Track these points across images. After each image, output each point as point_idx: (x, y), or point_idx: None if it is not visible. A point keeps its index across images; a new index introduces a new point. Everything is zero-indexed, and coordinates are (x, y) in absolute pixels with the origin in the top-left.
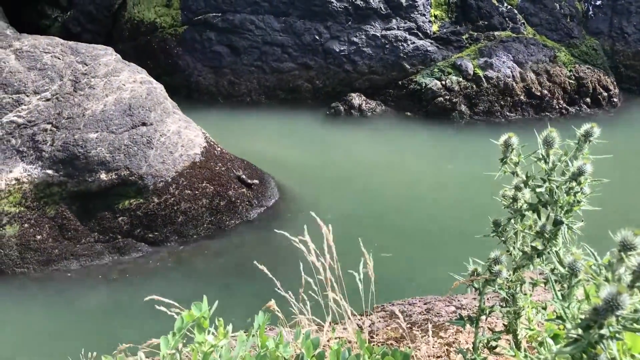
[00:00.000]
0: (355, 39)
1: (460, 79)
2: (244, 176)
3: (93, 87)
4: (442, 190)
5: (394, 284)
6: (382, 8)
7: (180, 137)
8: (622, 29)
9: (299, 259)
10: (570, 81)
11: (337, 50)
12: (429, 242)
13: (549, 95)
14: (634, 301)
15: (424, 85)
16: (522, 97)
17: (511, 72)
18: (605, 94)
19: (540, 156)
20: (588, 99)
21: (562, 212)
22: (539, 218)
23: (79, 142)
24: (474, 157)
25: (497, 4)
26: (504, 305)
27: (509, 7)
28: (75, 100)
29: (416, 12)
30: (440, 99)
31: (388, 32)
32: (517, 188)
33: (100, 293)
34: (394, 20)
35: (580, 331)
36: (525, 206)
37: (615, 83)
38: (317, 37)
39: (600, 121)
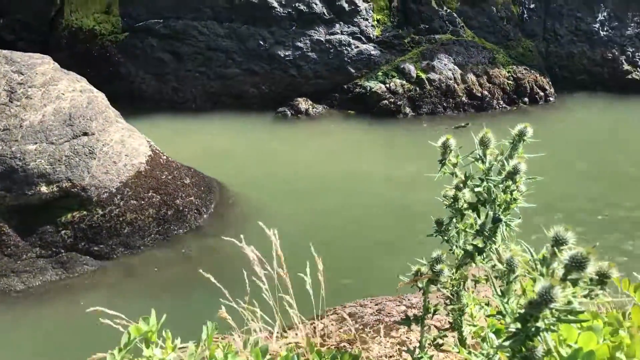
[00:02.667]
0: (299, 44)
1: (404, 82)
2: None
3: (30, 97)
4: (391, 188)
5: (346, 286)
6: (326, 13)
7: (124, 146)
8: (555, 31)
9: (249, 266)
10: (509, 82)
11: (282, 55)
12: (380, 241)
13: (489, 95)
14: (566, 294)
15: (369, 88)
16: (463, 98)
17: (452, 74)
18: (541, 93)
19: (478, 156)
20: (526, 99)
21: (501, 210)
22: (479, 217)
23: (16, 154)
24: (419, 156)
25: (437, 8)
26: (449, 303)
27: (449, 11)
28: (12, 111)
29: (359, 17)
30: (385, 101)
31: (332, 37)
32: (457, 188)
33: (44, 310)
34: (337, 25)
35: (518, 325)
36: (465, 205)
37: (550, 83)
38: (261, 43)
39: (537, 119)
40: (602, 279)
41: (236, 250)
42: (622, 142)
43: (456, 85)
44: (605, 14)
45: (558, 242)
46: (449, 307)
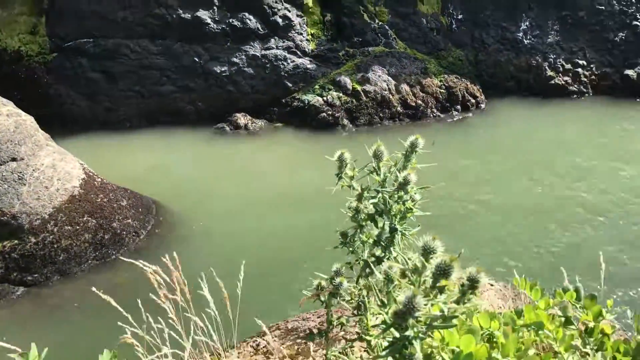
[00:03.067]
0: (235, 60)
1: (341, 95)
2: None
3: None
4: (330, 203)
5: (277, 303)
6: (260, 28)
7: (56, 170)
8: (483, 41)
9: (178, 289)
10: (441, 90)
11: (218, 71)
12: (316, 257)
13: (423, 104)
14: (438, 301)
15: (307, 102)
16: (399, 108)
17: (387, 85)
18: (472, 100)
19: (373, 169)
20: (458, 106)
21: (397, 220)
22: (376, 227)
23: None
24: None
25: (369, 21)
26: (356, 314)
27: (381, 23)
28: None
29: (293, 32)
30: (324, 114)
31: (268, 52)
32: (359, 200)
33: None
34: (272, 40)
35: (396, 334)
36: (363, 217)
37: (480, 90)
38: (196, 59)
39: (469, 125)
40: (472, 284)
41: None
42: (543, 143)
43: (391, 96)
44: (527, 23)
45: (427, 251)
46: (353, 319)
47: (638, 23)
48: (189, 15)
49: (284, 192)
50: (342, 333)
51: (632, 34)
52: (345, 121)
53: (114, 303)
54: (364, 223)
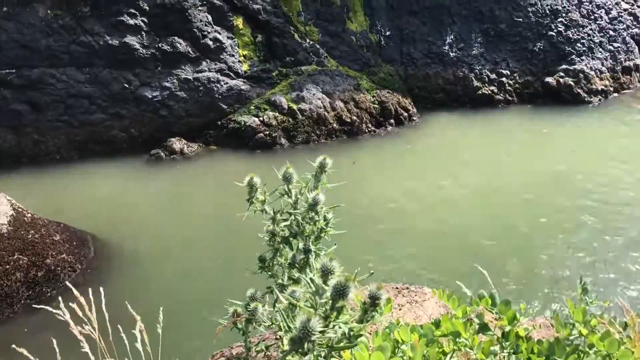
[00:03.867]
0: (167, 84)
1: (277, 114)
2: None
3: None
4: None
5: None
6: (191, 51)
7: None
8: (411, 55)
9: (114, 326)
10: (375, 106)
11: (150, 96)
12: (252, 281)
13: (358, 120)
14: (339, 321)
15: (243, 123)
16: (335, 125)
17: (322, 102)
18: (405, 114)
19: (284, 191)
20: (392, 120)
21: (311, 240)
22: (291, 249)
23: None
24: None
25: (300, 41)
26: (277, 338)
27: (312, 42)
28: None
29: (225, 54)
30: (261, 134)
31: (200, 75)
32: (273, 223)
33: None
34: (204, 63)
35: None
36: (279, 240)
37: (412, 103)
38: (126, 85)
39: (403, 138)
40: (373, 300)
41: (113, 308)
42: (472, 151)
43: (326, 113)
44: (452, 37)
45: (325, 272)
46: (272, 344)
47: (553, 33)
48: (117, 42)
49: (221, 218)
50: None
51: (548, 43)
52: (283, 140)
53: (26, 353)
54: (279, 246)
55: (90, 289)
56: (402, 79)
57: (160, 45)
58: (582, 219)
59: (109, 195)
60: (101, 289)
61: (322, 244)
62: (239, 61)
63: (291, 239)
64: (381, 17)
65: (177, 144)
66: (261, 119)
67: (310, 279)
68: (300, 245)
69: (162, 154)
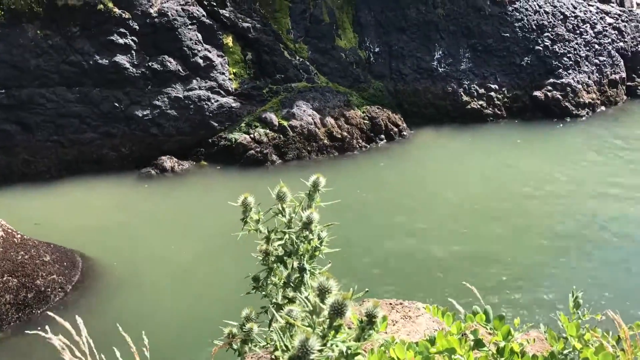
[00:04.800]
0: (157, 103)
1: (268, 131)
2: None
3: None
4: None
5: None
6: (181, 70)
7: None
8: (400, 71)
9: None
10: (365, 121)
11: (140, 115)
12: (248, 301)
13: (349, 136)
14: (336, 340)
15: (234, 140)
16: (325, 141)
17: (312, 119)
18: (395, 129)
19: (278, 210)
20: (382, 135)
21: (305, 259)
22: (286, 268)
23: None
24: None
25: (290, 58)
26: (273, 358)
27: (301, 59)
28: None
29: (215, 72)
30: (252, 151)
31: (190, 93)
32: (267, 242)
33: None
34: (194, 81)
35: None
36: (273, 259)
37: (402, 119)
38: (116, 105)
39: (393, 154)
40: (370, 319)
41: (101, 329)
42: (460, 165)
43: (317, 130)
44: (440, 52)
45: (322, 291)
46: None
47: (540, 48)
48: (107, 61)
49: (213, 237)
50: None
51: (535, 57)
52: (274, 157)
53: None
54: (274, 265)
55: (79, 310)
56: (391, 95)
57: (150, 64)
58: (571, 231)
59: (99, 215)
60: (90, 310)
61: (317, 263)
62: (229, 79)
63: (285, 257)
64: (370, 34)
65: (168, 162)
66: (252, 136)
67: (307, 297)
68: (295, 264)
69: (152, 172)
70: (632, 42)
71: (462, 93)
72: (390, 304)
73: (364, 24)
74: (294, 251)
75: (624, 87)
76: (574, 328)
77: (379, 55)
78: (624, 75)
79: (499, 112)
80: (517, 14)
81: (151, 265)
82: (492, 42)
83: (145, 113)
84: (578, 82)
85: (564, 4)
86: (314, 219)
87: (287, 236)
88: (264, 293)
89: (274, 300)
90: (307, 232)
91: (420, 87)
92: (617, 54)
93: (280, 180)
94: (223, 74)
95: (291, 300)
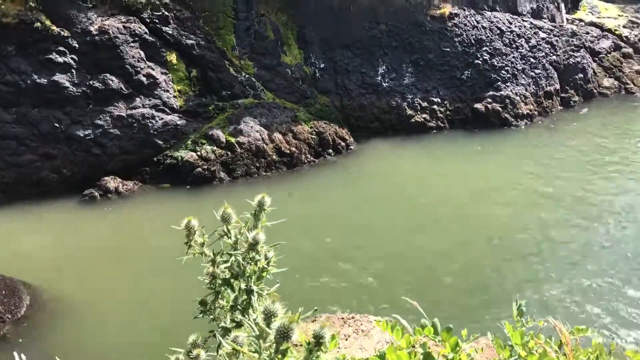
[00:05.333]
0: (100, 122)
1: (215, 148)
2: None
3: None
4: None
5: None
6: (124, 88)
7: None
8: (346, 86)
9: None
10: (313, 136)
11: (82, 135)
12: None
13: (297, 151)
14: None
15: (180, 158)
16: (274, 157)
17: (260, 135)
18: (343, 143)
19: (223, 232)
20: (330, 150)
21: (253, 280)
22: (233, 291)
23: None
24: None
25: (236, 75)
26: None
27: (247, 76)
28: None
29: (159, 89)
30: (199, 169)
31: (134, 111)
32: (213, 265)
33: None
34: (137, 99)
35: None
36: (220, 282)
37: (349, 133)
38: (56, 125)
39: (341, 167)
40: (318, 340)
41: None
42: (403, 176)
43: (265, 145)
44: (384, 67)
45: (268, 315)
46: None
47: (479, 62)
48: (45, 80)
49: (160, 261)
50: None
51: (475, 71)
52: (222, 174)
53: None
54: (221, 289)
55: (19, 342)
56: (338, 110)
57: (91, 82)
58: (511, 234)
59: (41, 240)
60: (32, 341)
61: (265, 283)
62: (174, 96)
63: (232, 280)
64: (315, 50)
65: (112, 182)
66: (199, 153)
67: (254, 321)
68: (242, 286)
69: (96, 193)
70: (564, 56)
71: (406, 107)
72: (343, 318)
73: (309, 40)
74: (240, 273)
75: (558, 98)
76: (519, 336)
77: (325, 71)
78: (557, 87)
79: (441, 125)
80: (457, 29)
81: (96, 293)
82: (434, 57)
83: (86, 133)
84: (516, 94)
85: (500, 20)
86: (260, 240)
87: (232, 258)
88: (211, 317)
89: (221, 324)
90: (254, 253)
91: (365, 102)
92: (550, 67)
93: (225, 200)
94: (167, 91)
95: (239, 324)
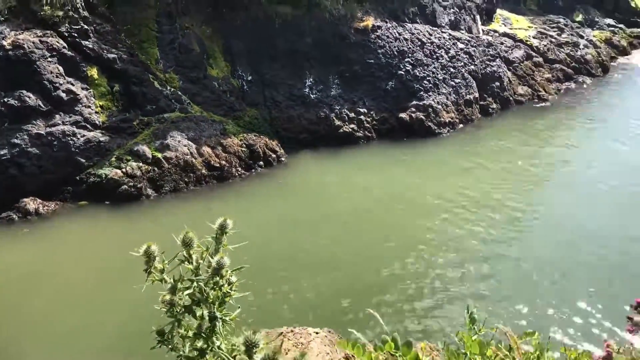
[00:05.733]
0: (17, 141)
1: (141, 164)
2: None
3: None
4: (146, 295)
5: None
6: (42, 105)
7: None
8: (274, 99)
9: None
10: (243, 149)
11: None
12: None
13: (227, 164)
14: None
15: (104, 176)
16: (203, 171)
17: (188, 149)
18: (273, 155)
19: (184, 258)
20: (261, 162)
21: (216, 306)
22: (195, 318)
23: None
24: (164, 238)
25: (161, 88)
26: None
27: (173, 89)
28: None
29: (80, 105)
30: (125, 186)
31: (54, 129)
32: (172, 292)
33: None
34: (57, 116)
35: None
36: (180, 309)
37: (279, 145)
38: None
39: (272, 178)
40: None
41: None
42: (331, 186)
43: (194, 160)
44: (311, 79)
45: (250, 346)
46: None
47: (402, 72)
48: None
49: (94, 289)
50: None
51: (399, 82)
52: (149, 191)
53: None
54: (181, 317)
55: None
56: (267, 122)
57: (6, 100)
58: (444, 237)
59: None
60: None
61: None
62: (96, 112)
63: (194, 307)
64: (242, 63)
65: (32, 204)
66: (124, 170)
67: (219, 347)
68: (205, 313)
69: (14, 216)
70: (481, 65)
71: (334, 118)
72: (282, 332)
73: (235, 53)
74: (203, 299)
75: (478, 106)
76: (477, 346)
77: (252, 84)
78: (477, 95)
79: (369, 134)
80: (379, 41)
81: (24, 329)
82: (359, 69)
83: (2, 153)
84: (438, 103)
85: (421, 31)
86: (224, 264)
87: (194, 284)
88: (170, 347)
89: (181, 354)
90: (218, 278)
91: (294, 114)
92: (469, 76)
93: (150, 217)
94: (89, 107)
95: (202, 352)
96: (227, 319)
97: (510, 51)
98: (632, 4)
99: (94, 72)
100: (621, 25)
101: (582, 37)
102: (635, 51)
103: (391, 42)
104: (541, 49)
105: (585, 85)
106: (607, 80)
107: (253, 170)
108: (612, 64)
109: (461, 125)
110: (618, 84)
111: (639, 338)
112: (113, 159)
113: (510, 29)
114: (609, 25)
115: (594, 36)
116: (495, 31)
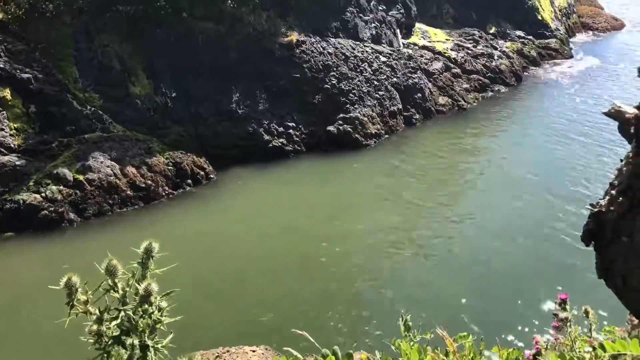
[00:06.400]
0: None
1: (62, 188)
2: None
3: None
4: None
5: None
6: None
7: None
8: (200, 115)
9: None
10: (169, 167)
11: None
12: None
13: (154, 184)
14: None
15: (21, 202)
16: (128, 192)
17: (112, 170)
18: (202, 172)
19: (109, 287)
20: (189, 180)
21: (146, 334)
22: (125, 349)
23: None
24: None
25: (80, 108)
26: None
27: (93, 109)
28: None
29: None
30: (45, 212)
31: None
32: (99, 323)
33: None
34: None
35: None
36: (108, 340)
37: (207, 162)
38: None
39: (200, 197)
40: None
41: None
42: (261, 201)
43: (118, 181)
44: (238, 94)
45: None
46: None
47: (328, 86)
48: None
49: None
50: None
51: (325, 96)
52: (72, 215)
53: None
54: (110, 348)
55: None
56: (193, 139)
57: None
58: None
59: None
60: None
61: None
62: (11, 135)
63: (124, 337)
64: (165, 80)
65: None
66: (43, 194)
67: None
68: (136, 342)
69: None
70: (403, 77)
71: (263, 132)
72: (216, 354)
73: (158, 69)
74: (132, 328)
75: (402, 117)
76: (416, 353)
77: (177, 100)
78: (400, 106)
79: (298, 148)
80: (305, 56)
81: None
82: (285, 83)
83: None
84: (364, 115)
85: (344, 46)
86: (153, 291)
87: (121, 314)
88: None
89: None
90: (147, 306)
91: (222, 130)
92: (393, 89)
93: (79, 241)
94: (2, 130)
95: None
96: (159, 346)
97: (430, 63)
98: (539, 17)
99: (7, 93)
100: (530, 37)
101: (496, 48)
102: (544, 61)
103: (316, 56)
104: (459, 60)
105: (500, 94)
106: (520, 89)
107: (181, 190)
108: (524, 73)
109: (387, 136)
110: (530, 92)
111: (564, 334)
112: (31, 183)
113: (429, 42)
114: (519, 37)
115: (506, 47)
116: (415, 44)
